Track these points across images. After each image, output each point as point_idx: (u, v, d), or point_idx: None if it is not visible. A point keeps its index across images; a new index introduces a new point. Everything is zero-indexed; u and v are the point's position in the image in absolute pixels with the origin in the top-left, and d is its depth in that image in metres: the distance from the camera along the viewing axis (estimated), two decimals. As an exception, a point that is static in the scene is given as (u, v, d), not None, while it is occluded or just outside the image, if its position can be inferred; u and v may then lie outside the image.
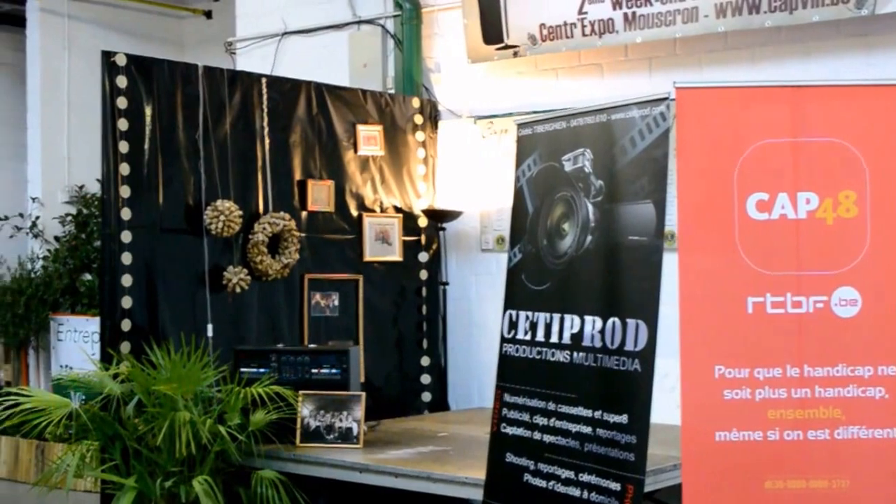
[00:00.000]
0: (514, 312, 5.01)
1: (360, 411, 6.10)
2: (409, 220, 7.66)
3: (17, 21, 12.33)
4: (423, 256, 7.72)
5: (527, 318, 4.92)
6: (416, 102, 7.83)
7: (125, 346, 6.24)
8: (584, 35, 7.07)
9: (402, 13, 8.10)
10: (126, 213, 6.30)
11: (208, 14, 12.31)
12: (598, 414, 4.48)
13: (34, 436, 9.08)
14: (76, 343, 10.53)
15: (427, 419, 7.35)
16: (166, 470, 5.84)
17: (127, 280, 6.28)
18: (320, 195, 7.20)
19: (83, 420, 5.88)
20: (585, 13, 7.04)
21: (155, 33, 12.19)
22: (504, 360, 5.04)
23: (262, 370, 6.23)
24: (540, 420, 4.76)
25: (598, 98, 6.41)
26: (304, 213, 7.13)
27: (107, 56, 6.39)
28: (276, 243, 6.91)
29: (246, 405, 5.98)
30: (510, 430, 4.91)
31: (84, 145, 11.42)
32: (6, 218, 11.56)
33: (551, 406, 4.72)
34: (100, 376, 6.05)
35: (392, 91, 8.04)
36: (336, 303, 7.27)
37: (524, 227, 5.06)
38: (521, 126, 5.21)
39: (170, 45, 11.97)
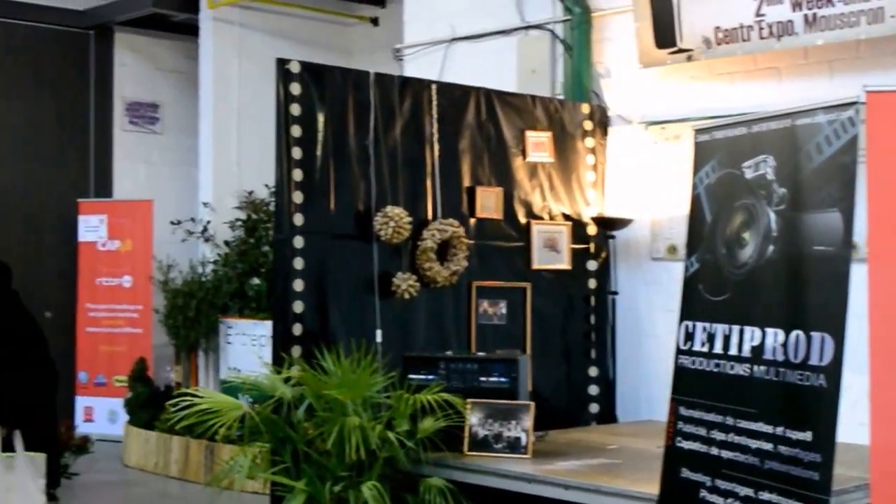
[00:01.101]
0: (690, 323, 4.91)
1: (528, 421, 6.06)
2: (577, 227, 7.60)
3: (189, 30, 12.70)
4: (592, 265, 7.65)
5: (704, 329, 4.81)
6: (585, 108, 7.77)
7: (296, 350, 6.33)
8: (761, 38, 6.91)
9: (572, 18, 8.05)
10: (298, 219, 6.40)
11: (375, 21, 12.47)
12: (779, 430, 4.35)
13: (205, 436, 9.37)
14: (244, 346, 10.77)
15: (595, 431, 7.28)
16: (335, 474, 5.89)
17: (299, 285, 6.38)
18: (489, 202, 7.20)
19: (255, 422, 5.97)
20: (763, 15, 6.88)
21: (323, 40, 12.41)
22: (679, 372, 4.93)
23: (430, 377, 6.24)
24: (717, 435, 4.64)
25: (775, 103, 6.22)
26: (472, 220, 7.13)
27: (281, 63, 6.49)
28: (444, 250, 6.92)
29: (414, 412, 5.99)
30: (686, 445, 4.81)
31: (253, 151, 11.69)
32: (178, 222, 11.89)
33: (729, 421, 4.60)
34: (271, 379, 6.14)
35: (561, 97, 7.99)
36: (503, 311, 7.25)
37: (701, 235, 4.95)
38: (698, 132, 5.10)
39: (337, 52, 12.16)
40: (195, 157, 12.29)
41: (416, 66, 8.93)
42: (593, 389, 7.60)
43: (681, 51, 7.33)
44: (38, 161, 12.62)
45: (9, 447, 6.08)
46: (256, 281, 11.14)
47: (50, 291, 11.95)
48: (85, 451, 8.73)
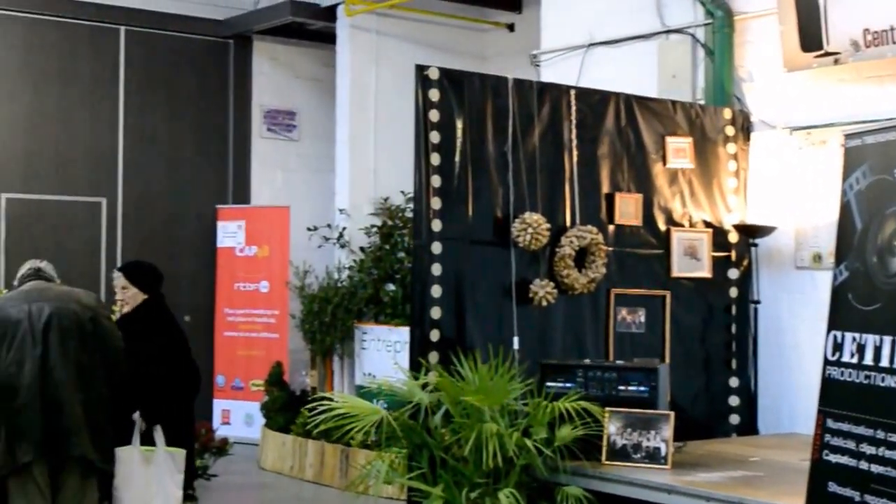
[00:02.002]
0: (839, 333, 4.79)
1: (668, 431, 6.00)
2: (718, 235, 7.51)
3: (327, 38, 12.89)
4: (734, 273, 7.54)
5: (853, 339, 4.70)
6: (727, 113, 7.67)
7: (433, 356, 6.37)
8: (912, 40, 6.73)
9: (714, 21, 7.96)
10: (437, 225, 6.44)
11: (511, 27, 12.49)
12: (933, 445, 4.23)
13: (341, 441, 9.49)
14: (379, 352, 10.87)
15: (735, 442, 7.17)
16: (472, 481, 5.91)
17: (436, 291, 6.42)
18: (628, 209, 7.15)
19: (392, 428, 6.02)
20: (914, 17, 6.70)
21: (458, 47, 12.48)
22: (827, 383, 4.83)
23: (568, 385, 6.22)
24: (867, 449, 4.53)
25: (928, 107, 6.08)
26: (611, 227, 7.10)
27: (420, 70, 6.53)
28: (582, 257, 6.90)
29: (552, 420, 5.98)
30: (833, 458, 4.70)
31: (389, 158, 11.82)
32: (315, 228, 12.07)
33: (880, 434, 4.48)
34: (409, 385, 6.18)
35: (702, 102, 7.90)
36: (642, 319, 7.19)
37: (851, 243, 4.83)
38: (848, 137, 4.98)
39: (472, 58, 12.22)
40: (332, 164, 12.46)
41: (554, 72, 8.92)
42: (734, 400, 7.49)
43: (827, 54, 7.18)
44: (179, 168, 12.95)
45: (148, 441, 6.24)
46: (391, 287, 11.24)
47: (189, 296, 12.22)
48: (224, 453, 8.91)
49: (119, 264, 12.10)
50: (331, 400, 6.17)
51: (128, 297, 6.54)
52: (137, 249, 12.20)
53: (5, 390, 5.72)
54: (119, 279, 6.57)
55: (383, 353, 10.79)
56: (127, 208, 12.63)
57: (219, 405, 12.45)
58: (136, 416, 6.22)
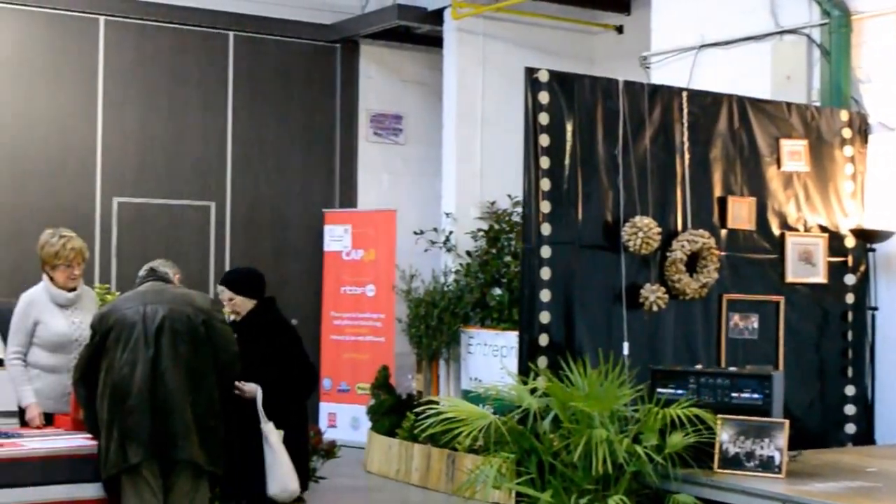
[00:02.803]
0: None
1: (782, 439, 5.92)
2: (834, 240, 7.40)
3: (433, 41, 12.98)
4: (850, 279, 7.42)
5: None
6: (844, 115, 7.55)
7: (542, 361, 6.37)
8: None
9: (830, 21, 7.85)
10: (546, 229, 6.44)
11: (619, 29, 12.45)
12: None
13: (447, 445, 9.54)
14: (485, 356, 10.91)
15: (851, 452, 7.04)
16: (581, 487, 5.89)
17: (546, 295, 6.42)
18: (741, 212, 7.08)
19: (501, 432, 6.03)
20: None
21: (565, 49, 12.48)
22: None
23: (679, 391, 6.17)
24: None
25: None
26: (723, 231, 7.04)
27: (529, 72, 6.54)
28: (694, 261, 6.85)
29: (663, 426, 5.94)
30: (956, 469, 4.61)
31: (496, 161, 11.86)
32: (421, 232, 12.15)
33: None
34: (517, 390, 6.19)
35: (818, 103, 7.80)
36: (755, 325, 7.11)
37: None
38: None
39: (579, 61, 12.21)
40: (438, 168, 12.54)
41: (664, 74, 8.87)
42: (850, 409, 7.37)
43: (949, 54, 7.04)
44: (286, 172, 13.14)
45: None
46: (498, 291, 11.28)
47: (296, 299, 12.37)
48: (332, 456, 9.01)
49: (227, 268, 12.43)
50: (438, 404, 6.22)
51: (237, 306, 6.65)
52: (245, 253, 12.43)
53: (118, 391, 5.84)
54: (224, 292, 6.68)
55: (489, 357, 10.82)
56: (235, 212, 12.84)
57: (325, 408, 12.59)
58: (256, 391, 6.33)
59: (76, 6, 11.96)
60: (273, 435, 6.34)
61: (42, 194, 11.73)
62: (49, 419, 6.54)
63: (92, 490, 5.88)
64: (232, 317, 6.65)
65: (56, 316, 6.64)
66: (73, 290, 6.72)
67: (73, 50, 12.02)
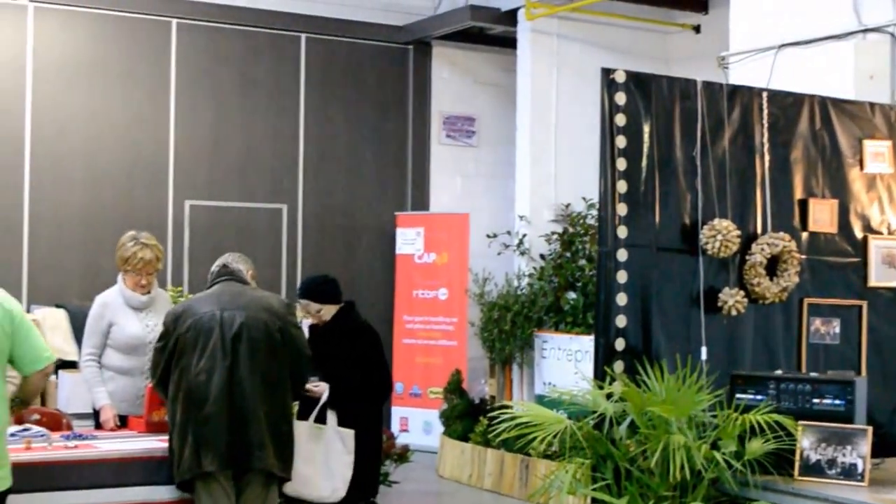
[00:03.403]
0: None
1: (866, 447, 5.86)
2: (919, 243, 7.30)
3: (506, 42, 13.01)
4: (935, 283, 7.33)
5: None
6: (929, 115, 7.46)
7: (618, 366, 6.36)
8: None
9: (915, 19, 7.76)
10: (622, 231, 6.43)
11: (697, 28, 12.39)
12: None
13: (521, 450, 9.55)
14: (559, 361, 10.91)
15: (935, 461, 6.95)
16: (658, 493, 5.88)
17: (622, 299, 6.41)
18: (822, 215, 7.01)
19: (576, 437, 6.04)
20: None
21: (641, 49, 12.45)
22: None
23: (759, 397, 6.13)
24: None
25: None
26: (804, 234, 6.97)
27: (606, 73, 6.53)
28: (774, 265, 6.79)
29: (742, 433, 5.91)
30: None
31: (570, 163, 11.87)
32: (494, 235, 12.19)
33: None
34: (593, 395, 6.19)
35: (902, 103, 7.71)
36: (837, 330, 7.04)
37: None
38: None
39: (655, 61, 12.18)
40: (511, 170, 12.57)
41: (742, 74, 8.81)
42: (935, 416, 7.27)
43: None
44: (358, 175, 13.23)
45: (320, 420, 6.42)
46: (573, 295, 11.27)
47: (368, 303, 12.39)
48: (405, 460, 9.06)
49: (300, 271, 12.56)
50: (511, 408, 6.23)
51: (323, 315, 6.74)
52: (317, 256, 12.55)
53: (194, 398, 5.90)
54: (310, 305, 6.75)
55: (563, 362, 10.82)
56: (307, 215, 12.96)
57: (397, 412, 12.66)
58: (325, 391, 6.39)
59: (149, 9, 12.15)
60: (333, 434, 6.39)
61: (115, 197, 11.92)
62: (123, 421, 6.64)
63: (165, 492, 5.96)
64: (311, 321, 6.73)
65: (130, 318, 6.75)
66: (147, 293, 6.81)
67: (146, 53, 12.20)
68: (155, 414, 6.36)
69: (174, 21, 12.33)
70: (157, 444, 6.11)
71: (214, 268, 6.38)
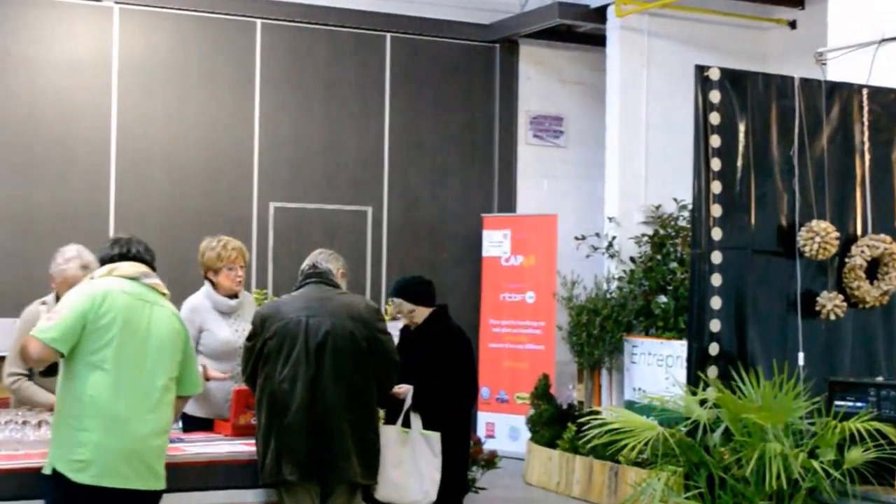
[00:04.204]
0: None
1: (971, 457, 5.77)
2: None
3: (594, 40, 12.97)
4: None
5: None
6: None
7: (712, 371, 6.32)
8: None
9: None
10: (717, 233, 6.38)
11: (793, 24, 12.25)
12: None
13: (610, 458, 9.52)
14: (650, 366, 10.84)
15: None
16: (753, 503, 5.84)
17: (716, 302, 6.36)
18: (925, 216, 6.91)
19: (669, 444, 6.00)
20: None
21: (735, 46, 12.34)
22: None
23: (858, 404, 6.05)
24: None
25: None
26: (906, 236, 6.88)
27: (700, 70, 6.49)
28: (874, 268, 6.70)
29: (841, 441, 5.84)
30: None
31: (661, 164, 11.81)
32: (583, 238, 12.15)
33: None
34: (686, 401, 6.15)
35: None
36: (940, 335, 6.93)
37: None
38: None
39: (749, 58, 12.07)
40: (599, 171, 12.53)
41: (841, 70, 8.68)
42: None
43: None
44: (444, 176, 13.28)
45: (406, 425, 6.44)
46: (663, 299, 11.20)
47: (454, 306, 12.31)
48: (493, 467, 9.07)
49: (385, 274, 12.63)
50: (600, 414, 6.22)
51: (415, 316, 6.77)
52: (402, 259, 12.61)
53: (277, 405, 5.92)
54: (403, 305, 6.78)
55: (654, 367, 10.76)
56: (392, 217, 13.03)
57: (483, 418, 12.67)
58: (408, 393, 6.42)
59: (233, 10, 12.31)
60: (419, 437, 6.42)
61: (199, 200, 12.10)
62: (210, 424, 6.70)
63: (251, 496, 5.99)
64: (403, 321, 6.76)
65: (220, 324, 6.78)
66: (235, 296, 6.86)
67: (230, 54, 12.36)
68: (241, 417, 6.42)
69: (259, 21, 12.47)
70: (242, 447, 6.15)
71: (304, 266, 6.36)
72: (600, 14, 12.44)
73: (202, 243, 6.92)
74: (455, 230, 13.26)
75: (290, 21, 12.59)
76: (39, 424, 5.70)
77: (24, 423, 5.70)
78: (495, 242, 12.89)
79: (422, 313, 6.78)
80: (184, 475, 5.75)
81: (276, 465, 5.85)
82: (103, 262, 5.53)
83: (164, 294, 5.50)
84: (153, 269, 5.55)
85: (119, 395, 5.18)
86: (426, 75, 13.27)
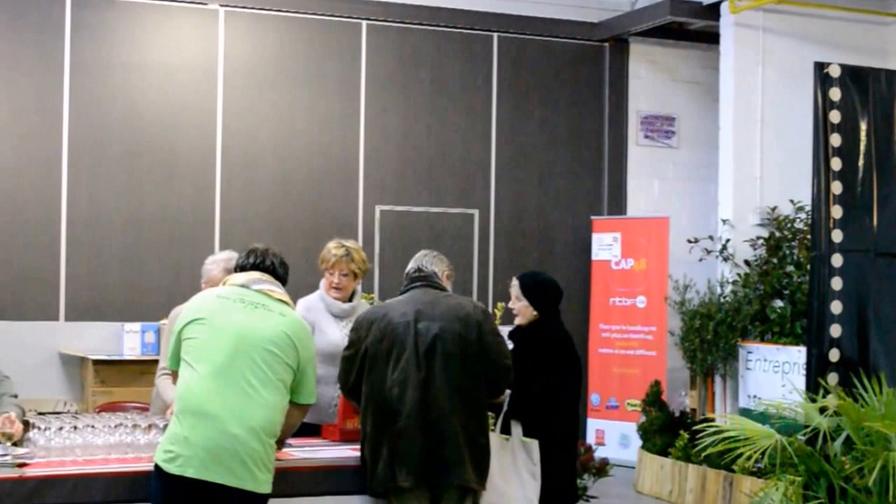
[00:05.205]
0: None
1: None
2: None
3: (707, 38, 12.85)
4: None
5: None
6: None
7: (832, 378, 6.25)
8: None
9: None
10: (837, 235, 6.31)
11: (916, 18, 12.03)
12: None
13: (724, 466, 9.43)
14: (765, 373, 10.71)
15: None
16: (876, 514, 5.76)
17: (837, 307, 6.29)
18: None
19: (787, 453, 5.93)
20: None
21: (854, 42, 12.14)
22: None
23: None
24: None
25: None
26: None
27: (819, 67, 6.42)
28: None
29: (970, 451, 5.72)
30: None
31: (777, 164, 11.67)
32: (696, 241, 12.03)
33: None
34: (806, 409, 6.09)
35: None
36: None
37: None
38: None
39: (870, 55, 11.84)
40: (712, 172, 12.40)
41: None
42: None
43: None
44: (552, 178, 13.25)
45: (505, 431, 6.42)
46: (779, 303, 11.06)
47: (562, 311, 12.36)
48: (604, 475, 9.02)
49: (492, 278, 12.65)
50: (713, 422, 6.16)
51: (519, 308, 6.71)
52: (510, 262, 12.60)
53: (387, 411, 5.90)
54: (514, 288, 6.76)
55: (770, 374, 10.62)
56: (499, 220, 13.04)
57: (593, 425, 12.62)
58: (505, 398, 6.40)
59: (338, 11, 12.42)
60: (518, 444, 6.40)
61: (304, 203, 12.22)
62: (317, 430, 6.75)
63: (357, 502, 6.03)
64: (518, 320, 6.73)
65: (331, 325, 6.86)
66: (351, 299, 6.93)
67: (336, 55, 12.47)
68: (349, 422, 6.45)
69: (364, 23, 12.56)
70: (349, 452, 6.19)
71: (409, 269, 6.35)
72: (713, 10, 12.32)
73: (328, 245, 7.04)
74: (563, 233, 13.23)
75: (395, 22, 12.66)
76: (149, 428, 5.82)
77: (135, 426, 5.82)
78: (605, 245, 12.84)
79: (524, 311, 6.69)
80: (290, 480, 5.78)
81: (390, 472, 5.83)
82: (237, 269, 5.79)
83: (280, 300, 5.61)
84: (284, 282, 5.76)
85: (208, 392, 5.31)
86: (534, 75, 13.26)
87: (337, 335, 6.81)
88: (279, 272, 5.76)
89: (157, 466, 5.30)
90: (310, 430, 6.71)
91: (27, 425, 5.84)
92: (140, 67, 11.76)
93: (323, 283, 7.00)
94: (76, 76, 11.52)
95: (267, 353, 5.45)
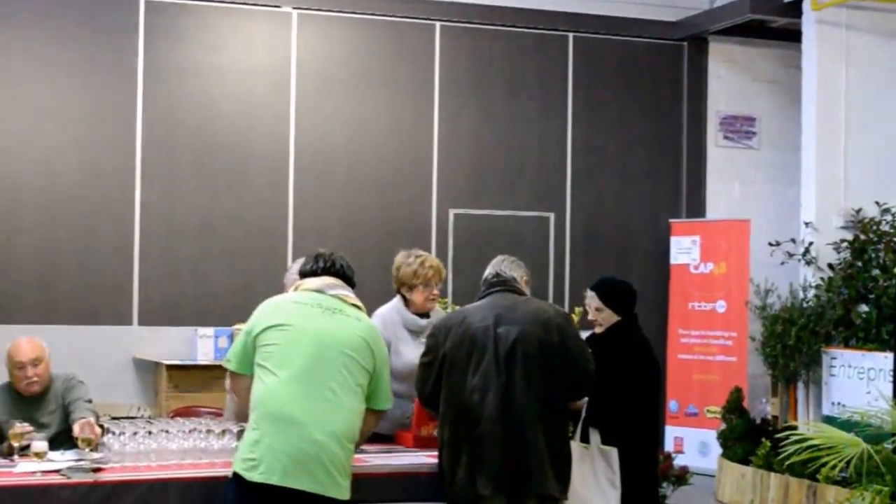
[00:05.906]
0: None
1: None
2: None
3: (787, 36, 12.73)
4: None
5: None
6: None
7: (921, 385, 6.14)
8: None
9: None
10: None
11: None
12: None
13: (807, 475, 9.32)
14: (850, 380, 10.59)
15: None
16: (966, 526, 5.66)
17: (921, 312, 6.18)
18: None
19: (873, 462, 5.86)
20: None
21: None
22: None
23: None
24: None
25: None
26: None
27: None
28: None
29: None
30: None
31: (862, 166, 11.53)
32: (777, 244, 11.92)
33: None
34: (893, 416, 6.03)
35: None
36: None
37: None
38: None
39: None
40: (794, 174, 12.27)
41: None
42: None
43: None
44: (629, 180, 13.19)
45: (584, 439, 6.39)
46: (865, 308, 10.92)
47: (640, 315, 12.28)
48: (684, 483, 8.97)
49: (568, 282, 12.62)
50: (796, 430, 6.10)
51: (601, 318, 6.69)
52: (586, 266, 12.56)
53: (467, 417, 5.87)
54: (593, 299, 6.72)
55: (855, 380, 10.50)
56: (575, 223, 13.00)
57: (671, 432, 12.54)
58: (584, 405, 6.36)
59: (411, 13, 12.45)
60: (597, 452, 6.36)
61: (378, 206, 12.27)
62: (389, 438, 6.73)
63: (430, 509, 6.04)
64: (598, 329, 6.71)
65: (408, 343, 6.74)
66: (427, 315, 6.82)
67: (409, 58, 12.51)
68: (423, 429, 6.46)
69: (437, 24, 12.59)
70: (424, 459, 6.19)
71: (487, 275, 6.32)
72: (795, 8, 12.19)
73: (397, 256, 6.92)
74: (641, 236, 13.16)
75: (469, 23, 12.68)
76: (223, 433, 5.87)
77: (209, 431, 5.87)
78: (684, 249, 12.75)
79: (608, 318, 6.69)
80: (365, 486, 5.80)
81: (471, 479, 5.80)
82: (304, 275, 5.81)
83: (353, 305, 5.64)
84: (353, 284, 5.79)
85: (291, 398, 5.33)
86: (610, 76, 13.21)
87: (414, 354, 6.53)
88: (348, 275, 5.81)
89: (236, 475, 5.32)
90: (382, 440, 6.69)
91: (102, 430, 5.93)
92: (212, 72, 11.88)
93: (400, 298, 6.89)
94: (149, 81, 11.66)
95: (346, 358, 5.48)
